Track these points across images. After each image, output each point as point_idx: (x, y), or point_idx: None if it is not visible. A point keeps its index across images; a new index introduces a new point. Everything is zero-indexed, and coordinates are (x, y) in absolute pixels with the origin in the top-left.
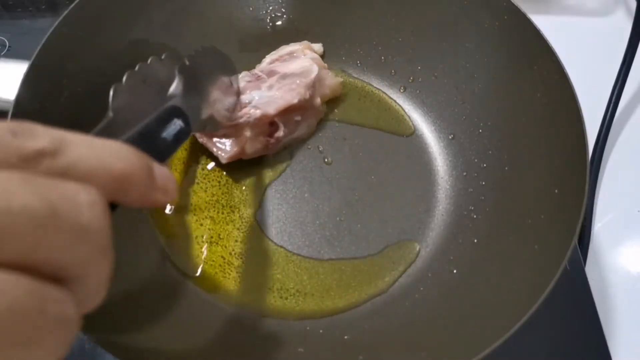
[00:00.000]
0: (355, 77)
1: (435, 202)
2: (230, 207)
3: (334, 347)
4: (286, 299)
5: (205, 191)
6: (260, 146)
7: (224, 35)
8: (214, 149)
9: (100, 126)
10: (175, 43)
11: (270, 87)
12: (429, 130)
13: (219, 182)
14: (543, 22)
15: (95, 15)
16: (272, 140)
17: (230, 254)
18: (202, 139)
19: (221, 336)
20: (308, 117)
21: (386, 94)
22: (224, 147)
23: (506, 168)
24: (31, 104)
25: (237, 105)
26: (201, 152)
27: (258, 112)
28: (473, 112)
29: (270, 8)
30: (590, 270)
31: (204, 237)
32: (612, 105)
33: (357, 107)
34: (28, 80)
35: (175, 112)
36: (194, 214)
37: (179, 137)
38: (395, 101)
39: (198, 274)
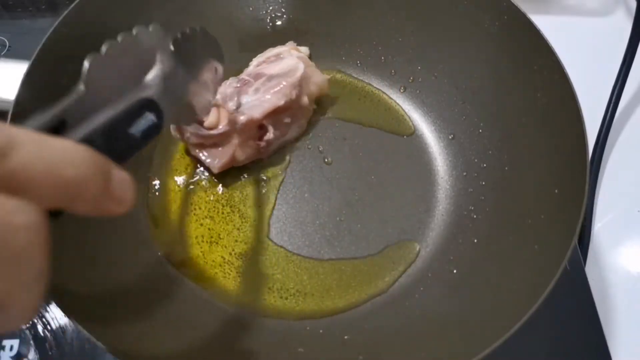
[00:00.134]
0: (355, 77)
1: (435, 202)
2: (230, 207)
3: (334, 347)
4: (286, 299)
5: (206, 191)
6: (251, 151)
7: (224, 35)
8: (205, 160)
9: (70, 100)
10: None
11: (256, 91)
12: (429, 130)
13: (219, 182)
14: (543, 22)
15: (95, 15)
16: (263, 144)
17: (230, 254)
18: (194, 152)
19: (221, 336)
20: (297, 117)
21: (386, 94)
22: (214, 157)
23: (506, 168)
24: (31, 104)
25: (214, 96)
26: None
27: (244, 118)
28: (473, 112)
29: (270, 8)
30: (590, 270)
31: (204, 237)
32: (612, 105)
33: (357, 107)
34: (28, 80)
35: (149, 106)
36: (194, 214)
37: (149, 133)
38: (395, 101)
39: (198, 274)
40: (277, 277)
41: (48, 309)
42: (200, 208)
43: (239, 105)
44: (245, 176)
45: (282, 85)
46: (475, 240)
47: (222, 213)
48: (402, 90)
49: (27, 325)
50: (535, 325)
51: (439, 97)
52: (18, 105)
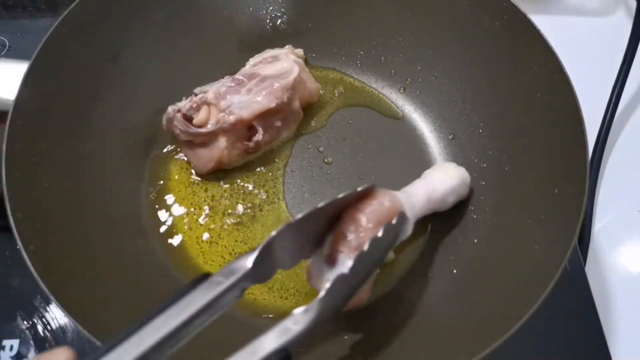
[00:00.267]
0: (355, 77)
1: None
2: (231, 207)
3: (334, 347)
4: (286, 298)
5: (206, 191)
6: (238, 153)
7: (224, 35)
8: (191, 162)
9: (235, 279)
10: (176, 43)
11: (249, 91)
12: (429, 130)
13: (219, 182)
14: (543, 22)
15: (95, 15)
16: (252, 144)
17: (230, 254)
18: (183, 151)
19: (221, 336)
20: (288, 121)
21: (386, 95)
22: (200, 159)
23: (506, 168)
24: (31, 104)
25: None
26: None
27: (232, 118)
28: (473, 112)
29: (270, 8)
30: (590, 270)
31: (204, 237)
32: (612, 105)
33: (357, 107)
34: (28, 80)
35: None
36: (194, 214)
37: None
38: (395, 102)
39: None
40: (277, 277)
41: (48, 309)
42: (200, 208)
43: (229, 105)
44: (246, 176)
45: (274, 87)
46: (475, 240)
47: (222, 213)
48: (401, 91)
49: (27, 325)
50: (535, 325)
51: (439, 97)
52: (18, 105)
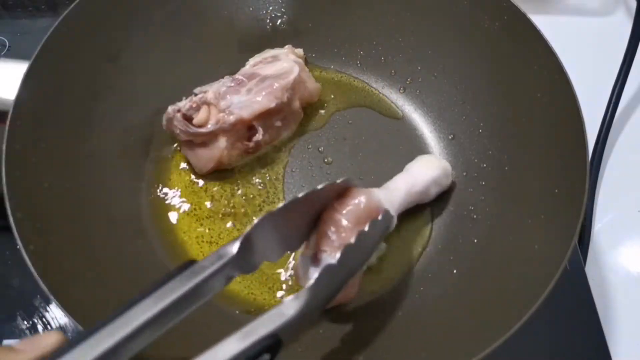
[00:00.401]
0: (355, 77)
1: (435, 202)
2: (231, 207)
3: (334, 347)
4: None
5: (206, 191)
6: (238, 153)
7: (224, 35)
8: (192, 162)
9: (220, 264)
10: (176, 43)
11: (249, 91)
12: (429, 130)
13: (219, 182)
14: (543, 22)
15: (95, 15)
16: (252, 144)
17: None
18: (183, 151)
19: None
20: (288, 121)
21: (386, 95)
22: (200, 159)
23: (506, 168)
24: (31, 104)
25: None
26: None
27: (232, 118)
28: (473, 112)
29: (270, 8)
30: (590, 270)
31: (204, 237)
32: (612, 105)
33: (357, 107)
34: (28, 80)
35: (270, 345)
36: (194, 214)
37: None
38: (395, 102)
39: None
40: (276, 276)
41: (48, 309)
42: (200, 208)
43: (229, 105)
44: (246, 177)
45: (274, 87)
46: (475, 240)
47: (222, 213)
48: (401, 91)
49: (27, 325)
50: (535, 325)
51: (439, 97)
52: (18, 105)
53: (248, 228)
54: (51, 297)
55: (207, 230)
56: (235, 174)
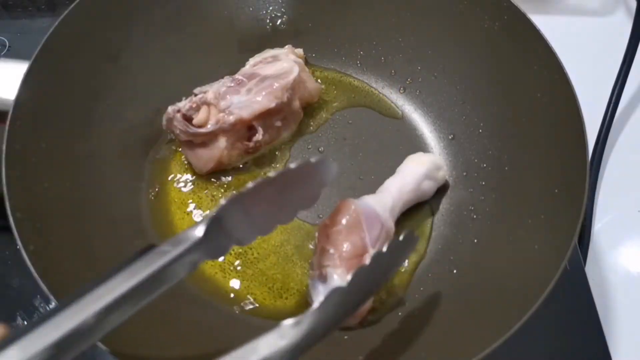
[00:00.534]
0: (355, 77)
1: (435, 202)
2: None
3: (334, 347)
4: (286, 299)
5: (206, 191)
6: (238, 153)
7: (224, 35)
8: (192, 163)
9: (183, 249)
10: (176, 43)
11: (249, 91)
12: (429, 130)
13: (219, 182)
14: (543, 22)
15: (95, 15)
16: (252, 144)
17: (230, 254)
18: (183, 152)
19: (221, 336)
20: (288, 121)
21: (386, 95)
22: (199, 159)
23: (506, 168)
24: (31, 104)
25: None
26: None
27: (232, 118)
28: (473, 112)
29: (270, 8)
30: (590, 270)
31: None
32: (612, 105)
33: (357, 107)
34: (28, 80)
35: None
36: (194, 214)
37: None
38: (395, 102)
39: (198, 274)
40: (277, 277)
41: (48, 308)
42: (200, 208)
43: (229, 105)
44: (246, 176)
45: (274, 87)
46: (475, 240)
47: None
48: (401, 91)
49: None
50: (535, 325)
51: (439, 97)
52: (18, 105)
53: (215, 209)
54: (51, 297)
55: None
56: (235, 174)
